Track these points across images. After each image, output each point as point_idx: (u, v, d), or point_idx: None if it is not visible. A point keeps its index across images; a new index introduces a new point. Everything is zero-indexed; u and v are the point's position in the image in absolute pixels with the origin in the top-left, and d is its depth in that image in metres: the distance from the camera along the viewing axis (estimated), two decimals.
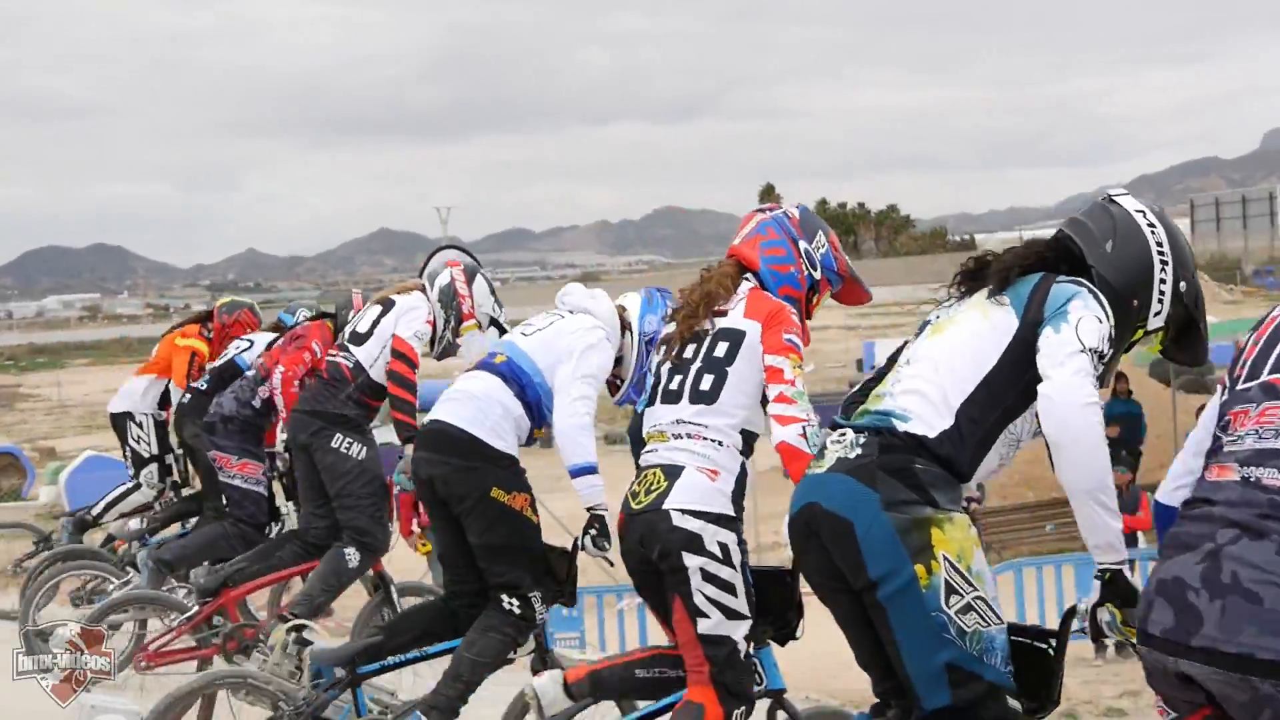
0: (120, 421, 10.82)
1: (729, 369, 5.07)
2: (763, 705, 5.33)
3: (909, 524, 4.00)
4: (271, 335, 9.76)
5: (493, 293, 7.97)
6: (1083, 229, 4.38)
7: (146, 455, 10.75)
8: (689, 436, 5.06)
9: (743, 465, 5.09)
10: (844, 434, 4.23)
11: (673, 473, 5.02)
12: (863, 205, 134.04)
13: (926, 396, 4.18)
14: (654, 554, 5.01)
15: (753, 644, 5.10)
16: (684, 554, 4.93)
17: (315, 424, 7.83)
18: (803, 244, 5.33)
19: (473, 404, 6.17)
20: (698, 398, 5.09)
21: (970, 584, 4.01)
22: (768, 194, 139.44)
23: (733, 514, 5.02)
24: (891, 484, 4.04)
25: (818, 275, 5.37)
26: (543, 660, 6.28)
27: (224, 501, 9.17)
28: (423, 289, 8.01)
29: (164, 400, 10.78)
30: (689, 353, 5.17)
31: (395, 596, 8.06)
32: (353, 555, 7.75)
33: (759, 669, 5.20)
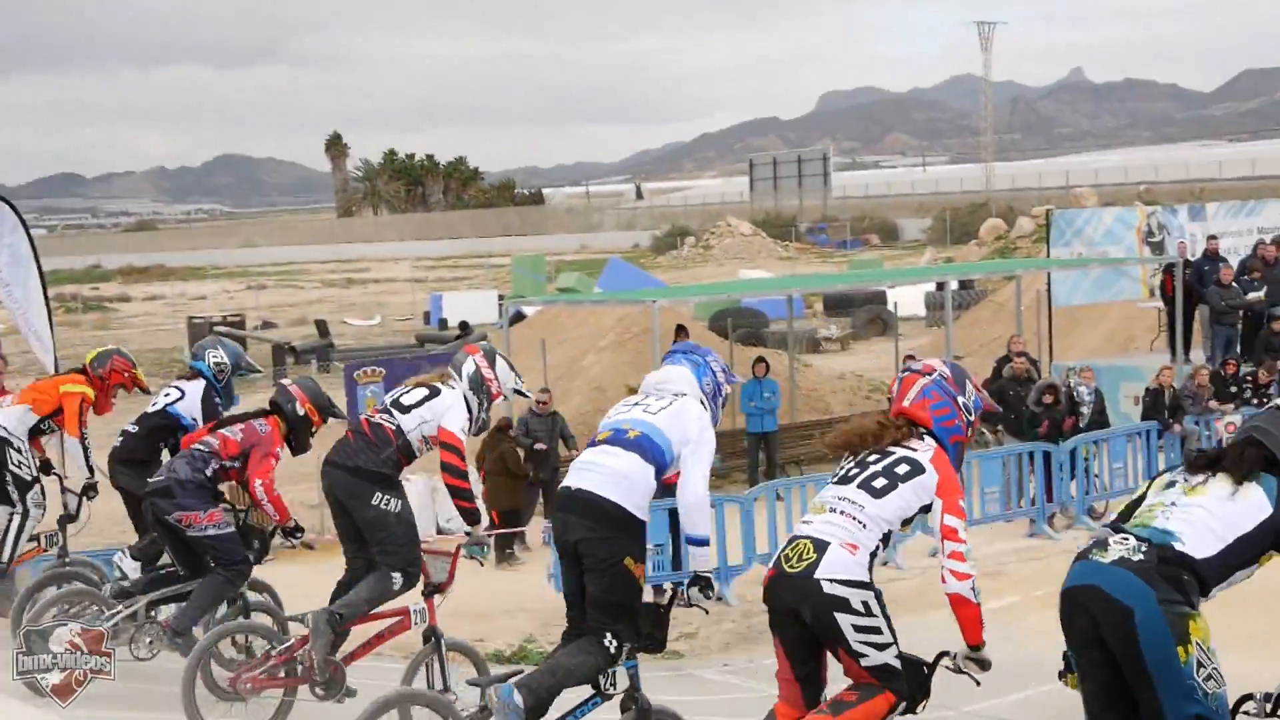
0: None
1: (902, 484, 6.43)
2: None
3: (1175, 617, 5.51)
4: (200, 385, 10.93)
5: (511, 367, 9.10)
6: (1270, 435, 5.83)
7: (29, 479, 11.68)
8: (843, 514, 6.39)
9: (877, 546, 6.38)
10: (1126, 538, 5.72)
11: (820, 547, 6.31)
12: (431, 157, 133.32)
13: (1198, 533, 5.67)
14: (805, 614, 6.29)
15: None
16: (835, 614, 6.23)
17: (355, 482, 8.73)
18: (960, 399, 6.69)
19: (626, 483, 7.22)
20: (867, 489, 6.44)
21: (1211, 661, 5.57)
22: (335, 143, 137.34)
23: (868, 579, 6.32)
24: (1165, 587, 5.55)
25: (972, 418, 6.73)
26: (633, 699, 7.38)
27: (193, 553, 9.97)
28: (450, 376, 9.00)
29: (33, 433, 11.80)
30: (873, 459, 6.53)
31: (444, 650, 8.77)
32: (397, 579, 8.75)
33: None
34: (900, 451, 6.50)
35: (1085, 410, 20.64)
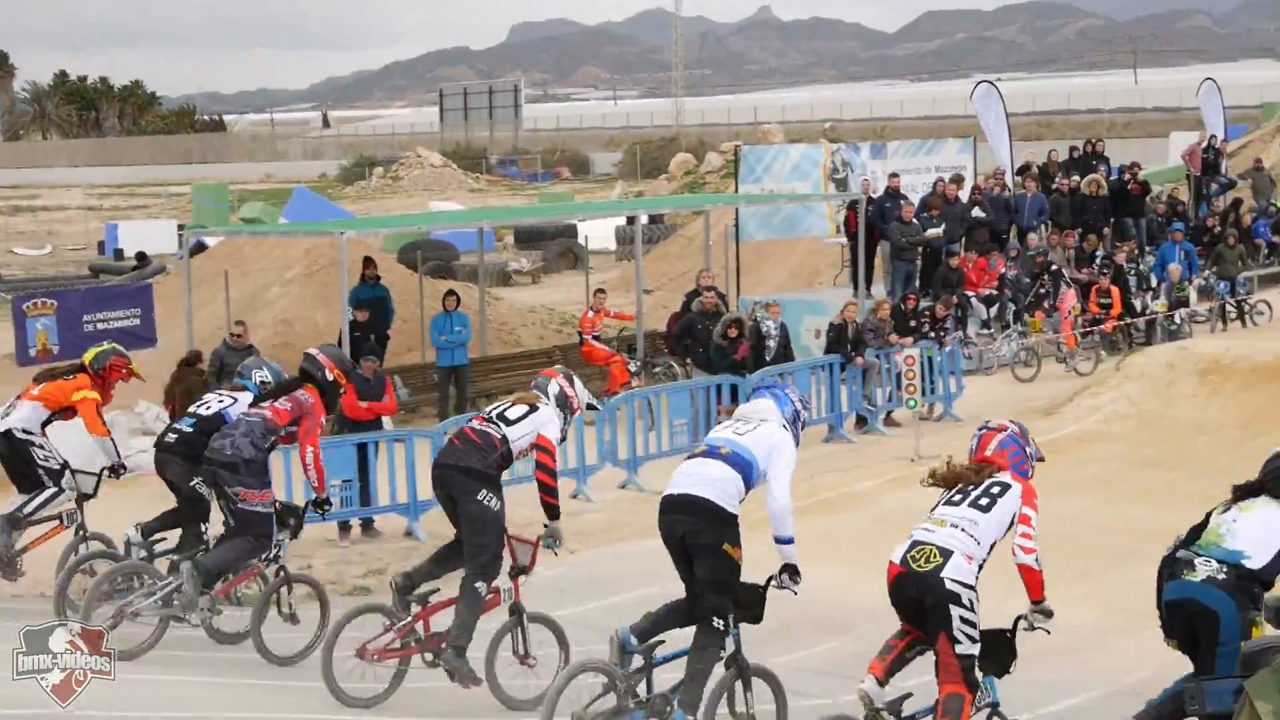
0: (20, 446, 13.11)
1: (1000, 500, 8.52)
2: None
3: (1245, 622, 7.89)
4: (249, 396, 12.13)
5: (584, 385, 11.09)
6: None
7: (58, 467, 13.21)
8: (962, 530, 8.41)
9: (984, 559, 8.41)
10: (1208, 560, 7.98)
11: (945, 554, 8.32)
12: (105, 80, 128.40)
13: (1257, 546, 8.02)
14: (926, 601, 8.27)
15: (981, 674, 8.44)
16: (950, 606, 8.21)
17: (465, 480, 10.29)
18: (1029, 449, 8.88)
19: (718, 485, 9.08)
20: (976, 507, 8.50)
21: None
22: (1, 62, 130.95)
23: (975, 584, 8.33)
24: (1242, 598, 7.90)
25: (1035, 462, 8.92)
26: (735, 660, 9.25)
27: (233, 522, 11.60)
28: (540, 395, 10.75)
29: (43, 425, 13.30)
30: (971, 487, 8.60)
31: (526, 622, 10.64)
32: (482, 587, 10.35)
33: (986, 689, 8.52)
34: (990, 479, 8.61)
35: (771, 344, 20.94)
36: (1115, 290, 25.97)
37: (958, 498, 8.57)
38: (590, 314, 23.62)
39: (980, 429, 9.01)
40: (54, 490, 13.17)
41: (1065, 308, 25.40)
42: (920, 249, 26.00)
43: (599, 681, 9.08)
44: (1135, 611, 11.86)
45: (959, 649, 8.23)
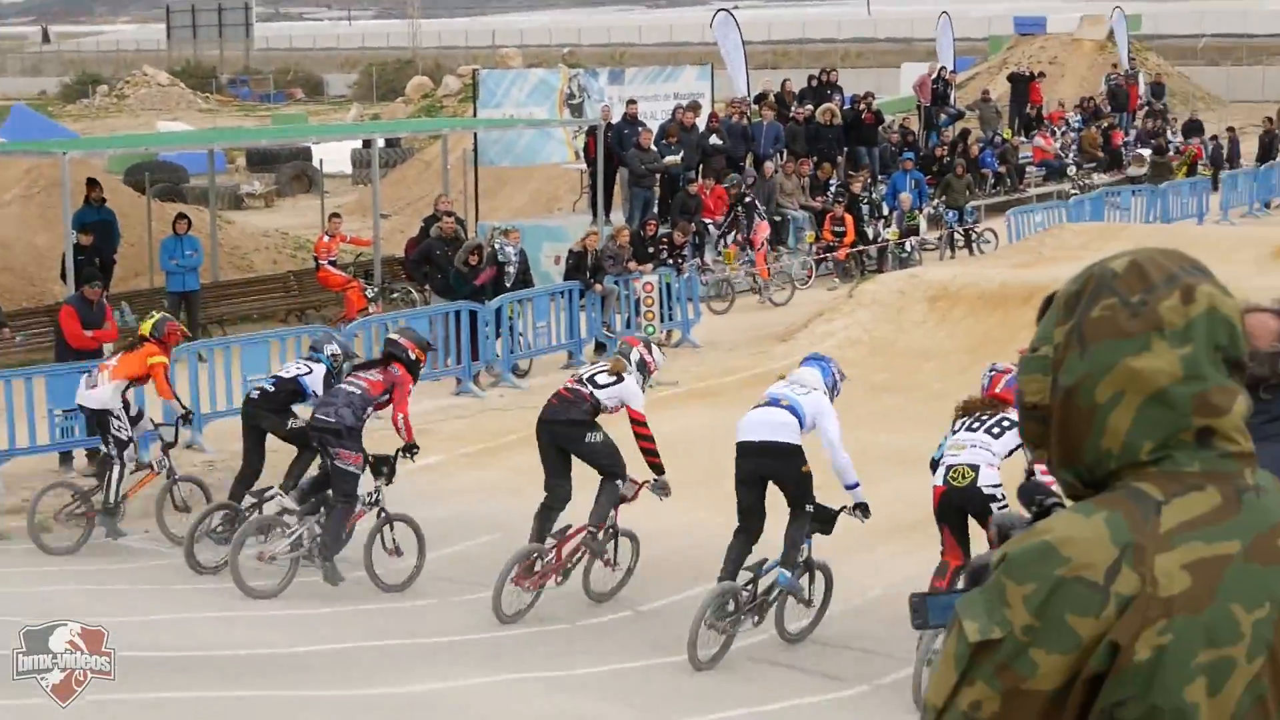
0: (101, 418, 14.48)
1: (1008, 431, 10.55)
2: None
3: None
4: (322, 368, 14.08)
5: (662, 353, 13.86)
6: None
7: (125, 440, 14.52)
8: (979, 448, 10.62)
9: (1000, 465, 10.58)
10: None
11: (975, 468, 10.57)
12: None
13: None
14: (969, 509, 10.59)
15: None
16: (991, 504, 10.36)
17: (570, 430, 12.32)
18: None
19: (786, 427, 11.32)
20: (989, 433, 10.70)
21: None
22: None
23: (1001, 482, 10.44)
24: None
25: None
26: (809, 562, 11.59)
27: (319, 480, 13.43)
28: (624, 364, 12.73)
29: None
30: (984, 416, 10.81)
31: (618, 535, 12.59)
32: (622, 484, 12.40)
33: None
34: (1001, 414, 10.68)
35: (511, 270, 20.84)
36: (849, 218, 26.49)
37: (975, 425, 10.77)
38: (326, 239, 23.19)
39: (990, 370, 11.22)
40: (120, 467, 14.41)
41: (759, 239, 25.78)
42: (659, 176, 26.12)
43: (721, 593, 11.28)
44: (869, 529, 12.17)
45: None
